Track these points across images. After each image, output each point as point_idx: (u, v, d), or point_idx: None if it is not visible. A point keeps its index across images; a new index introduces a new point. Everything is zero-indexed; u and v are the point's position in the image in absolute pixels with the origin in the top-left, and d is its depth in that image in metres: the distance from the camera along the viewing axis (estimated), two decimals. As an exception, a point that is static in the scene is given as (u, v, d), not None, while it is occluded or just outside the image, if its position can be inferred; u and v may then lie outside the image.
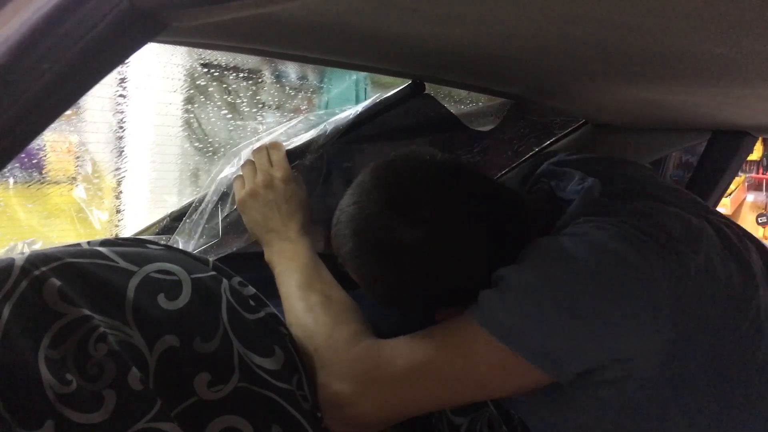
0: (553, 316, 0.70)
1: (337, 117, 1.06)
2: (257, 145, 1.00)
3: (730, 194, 4.21)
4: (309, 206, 0.97)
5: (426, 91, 1.13)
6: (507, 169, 1.51)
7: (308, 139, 1.03)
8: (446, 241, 0.77)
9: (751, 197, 4.44)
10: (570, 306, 0.70)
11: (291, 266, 0.90)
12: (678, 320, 0.71)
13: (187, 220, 1.00)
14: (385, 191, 0.79)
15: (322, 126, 1.05)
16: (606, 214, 0.78)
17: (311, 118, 1.07)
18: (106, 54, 0.42)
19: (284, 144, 1.01)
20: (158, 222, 1.11)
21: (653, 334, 0.70)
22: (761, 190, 4.43)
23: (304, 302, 0.86)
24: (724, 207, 4.22)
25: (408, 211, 0.77)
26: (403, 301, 0.83)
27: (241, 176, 0.98)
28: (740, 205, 4.43)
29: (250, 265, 0.93)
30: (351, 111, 1.06)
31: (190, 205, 1.06)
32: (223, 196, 1.01)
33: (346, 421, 0.78)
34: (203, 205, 1.01)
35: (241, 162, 1.00)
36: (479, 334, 0.72)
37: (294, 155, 0.99)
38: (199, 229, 0.99)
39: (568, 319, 0.69)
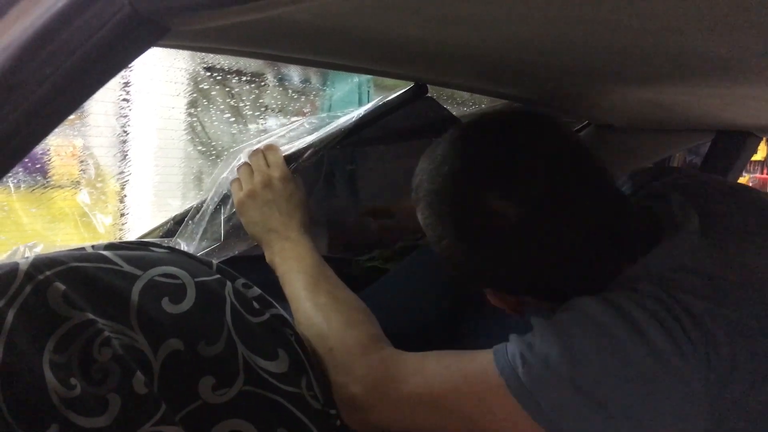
0: (571, 398, 0.67)
1: (339, 120, 1.06)
2: (254, 147, 0.99)
3: (734, 194, 4.20)
4: (308, 206, 0.97)
5: (428, 94, 1.13)
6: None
7: (309, 141, 1.03)
8: (544, 228, 0.70)
9: (755, 198, 4.42)
10: (590, 392, 0.66)
11: (295, 266, 0.90)
12: (716, 413, 0.66)
13: (190, 222, 1.00)
14: (491, 154, 0.72)
15: (323, 129, 1.05)
16: (680, 289, 0.69)
17: (312, 121, 1.07)
18: (109, 59, 0.42)
19: (284, 147, 1.01)
20: (161, 225, 1.12)
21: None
22: (765, 190, 4.42)
23: (313, 303, 0.85)
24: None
25: (512, 184, 0.70)
26: (470, 276, 0.78)
27: (238, 179, 0.97)
28: (744, 205, 4.41)
29: (254, 268, 0.93)
30: (353, 114, 1.06)
31: (191, 209, 1.06)
32: (224, 198, 1.01)
33: (360, 422, 0.78)
34: (204, 207, 1.01)
35: (240, 163, 1.00)
36: (499, 384, 0.69)
37: (294, 158, 0.99)
38: (200, 231, 0.99)
39: (588, 406, 0.66)
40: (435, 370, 0.75)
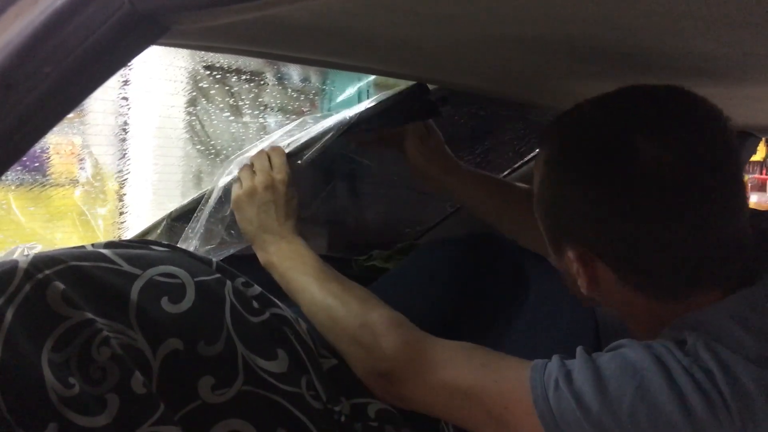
0: None
1: (336, 118, 1.06)
2: (255, 150, 1.00)
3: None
4: (299, 213, 0.97)
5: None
6: (509, 170, 1.51)
7: (307, 140, 1.03)
8: (681, 190, 0.66)
9: (754, 198, 4.43)
10: None
11: (297, 263, 0.90)
12: None
13: (189, 229, 1.00)
14: (648, 102, 0.70)
15: (320, 127, 1.05)
16: (730, 347, 0.66)
17: (309, 120, 1.07)
18: (108, 57, 0.42)
19: (283, 144, 1.01)
20: (158, 222, 1.11)
21: None
22: (764, 191, 4.43)
23: (326, 291, 0.85)
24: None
25: (657, 131, 0.67)
26: (571, 228, 0.74)
27: (239, 179, 0.98)
28: (743, 206, 4.42)
29: (254, 267, 0.93)
30: (351, 111, 1.06)
31: (189, 205, 1.06)
32: (220, 202, 1.01)
33: (394, 395, 0.80)
34: (203, 213, 1.01)
35: (237, 169, 1.00)
36: (527, 400, 0.70)
37: (292, 157, 1.00)
38: (198, 235, 0.99)
39: None
40: (471, 364, 0.76)
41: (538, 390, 0.70)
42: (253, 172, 0.95)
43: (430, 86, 1.12)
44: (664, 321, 0.72)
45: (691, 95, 0.71)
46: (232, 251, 1.01)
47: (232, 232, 1.01)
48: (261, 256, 0.93)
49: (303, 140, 1.02)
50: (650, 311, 0.74)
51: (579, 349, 0.72)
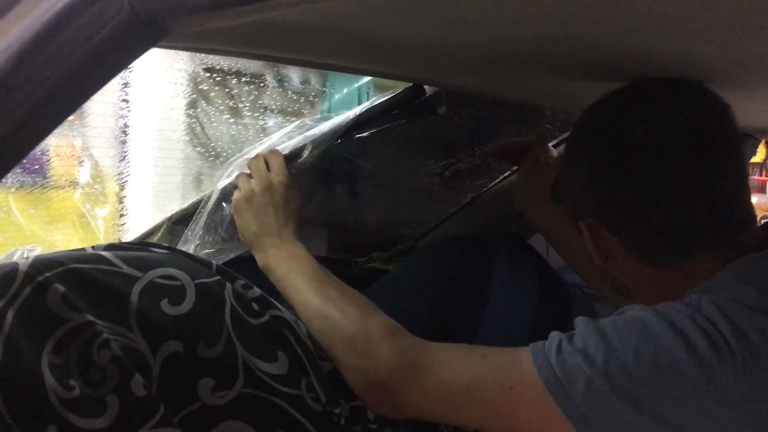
0: (602, 389, 0.66)
1: (334, 120, 1.06)
2: (255, 152, 0.99)
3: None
4: (301, 215, 0.97)
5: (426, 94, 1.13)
6: (509, 172, 1.51)
7: (305, 142, 1.03)
8: (671, 160, 0.74)
9: (754, 200, 4.40)
10: (622, 383, 0.66)
11: (294, 267, 0.90)
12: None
13: (188, 232, 1.00)
14: (641, 91, 0.80)
15: (318, 130, 1.05)
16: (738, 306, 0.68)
17: (308, 122, 1.08)
18: (108, 60, 0.42)
19: (281, 146, 1.01)
20: (158, 226, 1.12)
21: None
22: (764, 192, 4.42)
23: (323, 297, 0.85)
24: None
25: (650, 109, 0.77)
26: (584, 201, 0.83)
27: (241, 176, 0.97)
28: (744, 207, 4.41)
29: (253, 269, 0.93)
30: (349, 114, 1.07)
31: (189, 208, 1.06)
32: (218, 204, 1.01)
33: (387, 405, 0.79)
34: (202, 215, 1.01)
35: (236, 172, 1.00)
36: (532, 373, 0.70)
37: (291, 159, 0.99)
38: (196, 238, 0.99)
39: (619, 398, 0.66)
40: (468, 359, 0.76)
41: (540, 360, 0.70)
42: (251, 177, 0.95)
43: (429, 88, 1.12)
44: (672, 293, 0.74)
45: (688, 82, 0.79)
46: (232, 255, 1.01)
47: (232, 235, 1.01)
48: (259, 259, 0.93)
49: (303, 143, 1.03)
50: (656, 282, 0.79)
51: (578, 318, 0.72)
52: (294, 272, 0.89)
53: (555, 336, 0.72)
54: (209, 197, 1.02)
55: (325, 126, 1.04)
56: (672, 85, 0.80)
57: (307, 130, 1.06)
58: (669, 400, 0.65)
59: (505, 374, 0.73)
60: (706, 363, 0.64)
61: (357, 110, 1.07)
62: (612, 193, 0.79)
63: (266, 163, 0.95)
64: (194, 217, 1.01)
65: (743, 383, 0.64)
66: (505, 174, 1.50)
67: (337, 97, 1.63)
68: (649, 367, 0.66)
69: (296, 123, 1.08)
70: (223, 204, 1.01)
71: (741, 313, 0.67)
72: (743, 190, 0.78)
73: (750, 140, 1.43)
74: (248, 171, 0.96)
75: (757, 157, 4.20)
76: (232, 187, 0.98)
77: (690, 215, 0.75)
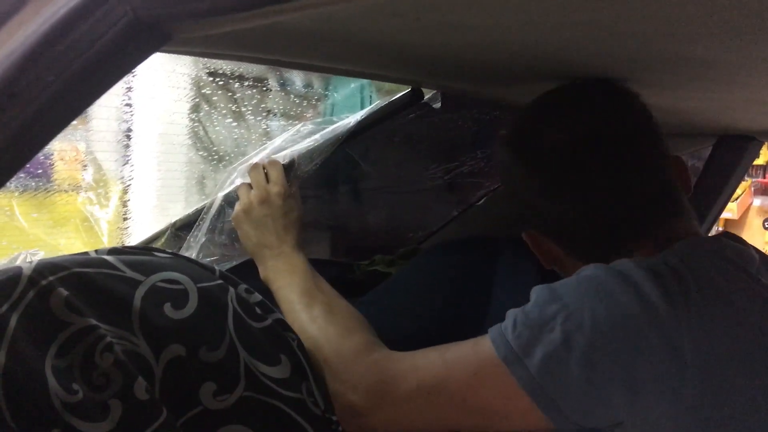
0: (556, 351, 0.66)
1: (335, 125, 1.06)
2: (254, 161, 1.00)
3: (736, 199, 4.20)
4: (302, 224, 0.97)
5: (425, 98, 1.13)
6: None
7: (307, 148, 1.03)
8: (584, 164, 0.78)
9: (757, 202, 4.42)
10: (576, 342, 0.66)
11: (288, 281, 0.90)
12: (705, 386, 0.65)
13: (191, 238, 1.01)
14: (553, 101, 0.84)
15: (320, 135, 1.05)
16: (696, 260, 0.71)
17: (309, 126, 1.08)
18: (111, 65, 0.43)
19: (283, 153, 1.01)
20: (162, 231, 1.12)
21: (674, 402, 0.65)
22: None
23: (308, 314, 0.86)
24: (731, 212, 4.20)
25: (556, 117, 0.82)
26: (523, 211, 0.87)
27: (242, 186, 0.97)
28: (747, 210, 4.41)
29: (255, 274, 0.93)
30: (350, 119, 1.07)
31: (193, 215, 1.06)
32: (221, 211, 1.01)
33: (362, 428, 0.78)
34: (204, 222, 1.01)
35: (239, 178, 1.00)
36: (490, 354, 0.70)
37: (292, 168, 0.99)
38: (198, 246, 0.99)
39: (574, 357, 0.66)
40: (430, 358, 0.76)
41: (498, 341, 0.70)
42: (250, 188, 0.95)
43: (429, 90, 1.13)
44: None
45: (598, 83, 0.83)
46: (234, 263, 1.01)
47: (235, 244, 1.01)
48: (261, 271, 0.94)
49: (304, 149, 1.03)
50: None
51: (535, 287, 0.73)
52: (286, 288, 0.90)
53: (511, 313, 0.72)
54: (212, 204, 1.02)
55: (326, 133, 1.05)
56: (579, 90, 0.84)
57: (308, 134, 1.06)
58: (626, 360, 0.65)
59: (467, 363, 0.73)
60: (660, 316, 0.65)
61: (354, 119, 1.07)
62: (540, 203, 0.83)
63: (265, 173, 0.96)
64: (197, 224, 1.01)
65: (698, 337, 0.64)
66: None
67: (339, 100, 1.64)
68: (605, 327, 0.66)
69: (299, 126, 1.08)
70: (226, 211, 1.01)
71: (710, 272, 0.69)
72: (663, 181, 0.81)
73: (752, 142, 1.43)
74: (249, 180, 0.96)
75: (761, 159, 4.20)
76: (235, 196, 0.98)
77: (609, 213, 0.79)
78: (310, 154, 1.01)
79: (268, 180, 0.96)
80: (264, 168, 0.97)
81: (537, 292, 0.73)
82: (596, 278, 0.70)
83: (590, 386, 0.66)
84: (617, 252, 0.77)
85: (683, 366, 0.64)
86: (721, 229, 4.21)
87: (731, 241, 0.78)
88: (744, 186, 4.26)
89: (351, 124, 1.05)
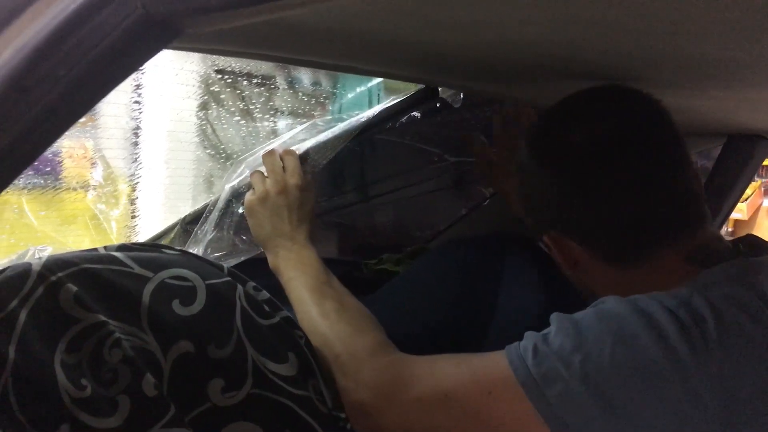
0: (578, 391, 0.66)
1: (347, 122, 1.06)
2: (268, 149, 0.99)
3: (746, 199, 4.18)
4: (314, 218, 0.97)
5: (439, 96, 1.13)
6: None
7: (319, 144, 1.03)
8: (607, 166, 0.78)
9: (767, 202, 4.40)
10: (598, 384, 0.66)
11: (300, 272, 0.90)
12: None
13: (198, 231, 1.01)
14: (579, 103, 0.83)
15: (332, 132, 1.05)
16: (722, 295, 0.69)
17: (319, 123, 1.08)
18: (121, 60, 0.43)
19: (293, 149, 1.01)
20: (172, 227, 1.12)
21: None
22: (778, 195, 4.39)
23: (319, 308, 0.85)
24: (740, 212, 4.18)
25: (585, 116, 0.81)
26: (543, 213, 0.86)
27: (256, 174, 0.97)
28: (757, 210, 4.39)
29: (263, 271, 0.93)
30: (362, 115, 1.07)
31: (203, 209, 1.06)
32: (228, 204, 1.01)
33: (370, 427, 0.78)
34: (212, 214, 1.01)
35: (247, 171, 1.00)
36: (508, 376, 0.70)
37: (305, 161, 0.99)
38: (206, 240, 0.99)
39: (594, 399, 0.66)
40: (444, 368, 0.75)
41: (517, 362, 0.69)
42: (265, 177, 0.95)
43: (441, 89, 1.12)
44: (643, 292, 0.73)
45: (624, 88, 0.83)
46: (242, 258, 1.01)
47: (243, 238, 1.01)
48: (270, 260, 0.93)
49: (315, 144, 1.03)
50: (623, 283, 0.79)
51: (553, 315, 0.73)
52: (298, 279, 0.89)
53: (530, 337, 0.71)
54: (220, 196, 1.02)
55: (338, 128, 1.04)
56: (606, 92, 0.83)
57: (318, 131, 1.06)
58: (645, 401, 0.65)
59: (482, 379, 0.72)
60: (681, 362, 0.64)
61: (371, 112, 1.07)
62: (564, 204, 0.82)
63: (282, 162, 0.95)
64: (204, 216, 1.01)
65: (718, 382, 0.64)
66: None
67: (347, 98, 1.64)
68: (625, 369, 0.66)
69: (307, 124, 1.08)
70: (234, 204, 1.01)
71: (733, 311, 0.67)
72: (686, 186, 0.80)
73: (763, 142, 1.42)
74: (261, 169, 0.96)
75: (770, 160, 4.17)
76: (246, 187, 0.97)
77: (637, 209, 0.78)
78: (322, 148, 1.01)
79: (284, 170, 0.95)
80: (280, 157, 0.96)
81: (557, 321, 0.71)
82: (618, 317, 0.68)
83: (609, 425, 0.66)
84: (644, 254, 0.78)
85: (704, 410, 0.64)
86: (731, 230, 4.19)
87: (755, 245, 0.79)
88: (754, 186, 4.24)
89: (362, 120, 1.04)
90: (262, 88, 1.56)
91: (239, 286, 0.78)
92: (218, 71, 1.47)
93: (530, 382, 0.68)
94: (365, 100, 1.52)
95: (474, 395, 0.72)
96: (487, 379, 0.72)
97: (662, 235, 0.78)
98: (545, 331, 0.71)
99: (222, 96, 1.52)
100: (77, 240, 1.41)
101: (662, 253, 0.78)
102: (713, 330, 0.66)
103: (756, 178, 4.10)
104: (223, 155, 1.56)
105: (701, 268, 0.75)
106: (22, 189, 1.31)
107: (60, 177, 1.39)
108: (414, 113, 1.17)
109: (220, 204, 1.00)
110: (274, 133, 1.57)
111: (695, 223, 0.79)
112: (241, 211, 0.99)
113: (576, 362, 0.66)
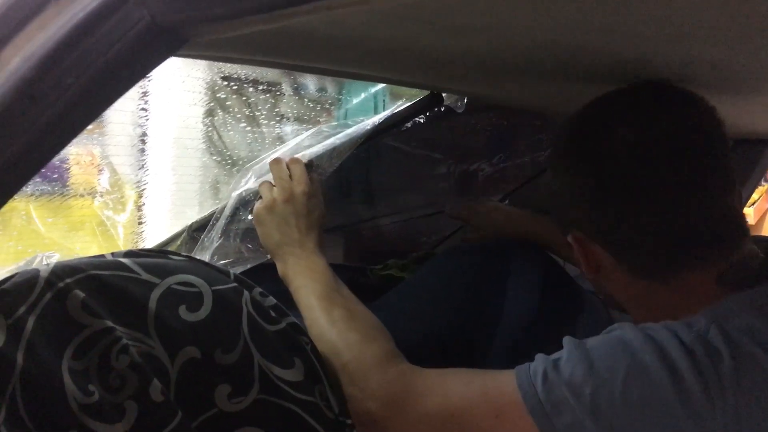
0: (587, 423, 0.65)
1: (353, 128, 1.07)
2: (271, 158, 0.99)
3: (753, 204, 4.16)
4: (323, 224, 0.97)
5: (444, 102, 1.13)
6: (527, 180, 1.51)
7: (324, 150, 1.03)
8: (651, 169, 0.72)
9: (774, 207, 4.38)
10: (607, 418, 0.65)
11: (310, 281, 0.90)
12: None
13: (205, 238, 1.01)
14: (610, 97, 0.78)
15: (337, 137, 1.05)
16: (740, 328, 0.66)
17: (325, 129, 1.08)
18: (128, 68, 0.43)
19: (299, 155, 1.01)
20: (178, 234, 1.12)
21: None
22: (784, 199, 4.37)
23: (328, 316, 0.85)
24: (747, 217, 4.15)
25: (628, 114, 0.75)
26: (574, 211, 0.81)
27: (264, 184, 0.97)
28: (763, 215, 4.37)
29: (270, 277, 0.93)
30: (368, 121, 1.07)
31: (209, 216, 1.06)
32: (235, 212, 1.01)
33: None
34: (219, 222, 1.01)
35: (254, 178, 1.00)
36: (517, 401, 0.69)
37: (312, 168, 0.99)
38: (212, 248, 1.00)
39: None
40: (454, 385, 0.75)
41: (526, 387, 0.68)
42: (273, 185, 0.95)
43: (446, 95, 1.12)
44: (664, 310, 0.72)
45: (669, 87, 0.78)
46: (249, 265, 1.01)
47: (250, 246, 1.01)
48: (280, 268, 0.93)
49: (321, 151, 1.03)
50: (648, 298, 0.77)
51: (566, 338, 0.71)
52: (307, 287, 0.89)
53: (540, 361, 0.70)
54: (226, 204, 1.02)
55: (345, 135, 1.05)
56: (652, 90, 0.77)
57: (324, 137, 1.06)
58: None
59: (491, 400, 0.72)
60: (694, 403, 0.63)
61: (377, 119, 1.07)
62: (598, 205, 0.77)
63: (288, 170, 0.95)
64: (211, 224, 1.01)
65: (734, 423, 0.62)
66: (526, 181, 1.50)
67: (353, 104, 1.64)
68: (637, 406, 0.64)
69: (312, 130, 1.08)
70: (240, 212, 1.01)
71: (750, 346, 0.65)
72: (729, 202, 0.75)
73: (769, 147, 1.42)
74: (268, 177, 0.96)
75: (777, 164, 4.15)
76: (253, 195, 0.98)
77: (679, 223, 0.73)
78: (329, 155, 1.01)
79: (290, 177, 0.95)
80: (287, 166, 0.96)
81: (568, 346, 0.70)
82: (630, 347, 0.67)
83: None
84: (675, 271, 0.74)
85: None
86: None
87: None
88: (761, 191, 4.22)
89: (368, 127, 1.05)
90: (268, 95, 1.57)
91: (246, 292, 0.78)
92: (224, 78, 1.47)
93: (539, 409, 0.67)
94: (370, 106, 1.52)
95: (482, 416, 0.72)
96: (496, 401, 0.71)
97: (697, 254, 0.73)
98: (556, 356, 0.70)
99: (228, 103, 1.52)
100: (84, 246, 1.42)
101: (693, 272, 0.74)
102: (728, 367, 0.63)
103: (763, 183, 4.07)
104: (230, 161, 1.56)
105: (730, 291, 0.71)
106: (30, 196, 1.32)
107: (67, 184, 1.40)
108: (419, 119, 1.17)
109: (227, 212, 1.01)
110: (280, 139, 1.57)
111: (733, 242, 0.74)
112: (247, 218, 0.99)
113: (586, 394, 0.65)
